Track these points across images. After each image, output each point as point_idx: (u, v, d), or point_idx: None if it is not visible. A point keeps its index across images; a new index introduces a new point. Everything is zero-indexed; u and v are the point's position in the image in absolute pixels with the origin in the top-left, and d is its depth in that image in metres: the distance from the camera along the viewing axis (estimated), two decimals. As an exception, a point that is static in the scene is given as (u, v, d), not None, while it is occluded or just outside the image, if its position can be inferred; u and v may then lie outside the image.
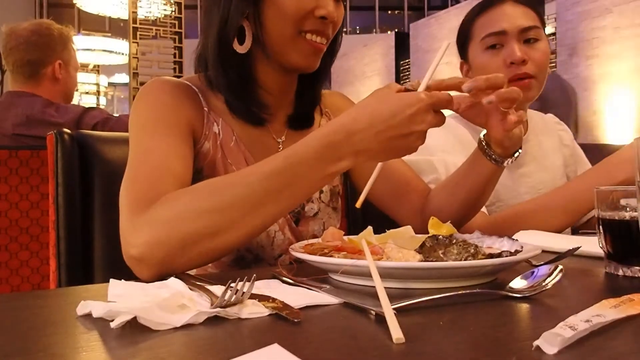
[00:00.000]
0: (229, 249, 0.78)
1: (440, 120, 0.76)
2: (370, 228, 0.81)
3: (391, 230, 0.82)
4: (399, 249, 0.71)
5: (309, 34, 0.93)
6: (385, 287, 0.55)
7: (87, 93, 8.54)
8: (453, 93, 0.79)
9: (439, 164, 1.27)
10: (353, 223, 1.47)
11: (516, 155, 0.92)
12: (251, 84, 0.98)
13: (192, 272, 0.79)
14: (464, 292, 0.60)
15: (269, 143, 1.02)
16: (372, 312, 0.53)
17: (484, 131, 0.93)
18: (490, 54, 1.33)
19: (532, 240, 0.84)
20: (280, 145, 1.02)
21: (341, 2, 0.98)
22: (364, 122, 0.73)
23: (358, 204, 0.81)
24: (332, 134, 0.74)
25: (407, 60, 10.37)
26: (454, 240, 0.71)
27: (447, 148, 1.31)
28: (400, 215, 1.11)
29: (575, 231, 1.41)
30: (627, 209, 0.72)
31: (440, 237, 0.72)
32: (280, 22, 0.92)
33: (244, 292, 0.55)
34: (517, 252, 0.70)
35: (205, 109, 0.97)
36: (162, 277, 0.68)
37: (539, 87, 1.34)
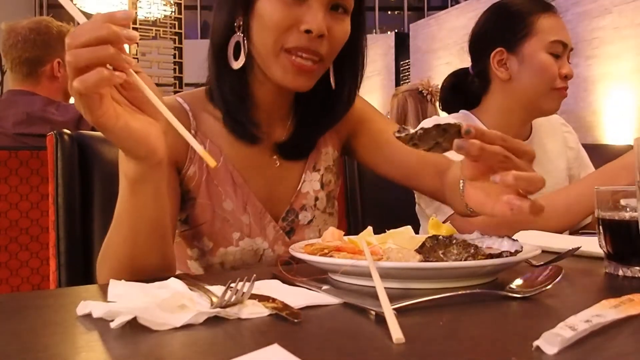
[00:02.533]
0: (150, 268, 0.78)
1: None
2: (370, 228, 0.81)
3: (391, 230, 0.82)
4: (399, 249, 0.71)
5: (293, 51, 0.87)
6: (385, 287, 0.55)
7: (87, 93, 8.52)
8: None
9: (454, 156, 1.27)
10: (353, 223, 1.47)
11: None
12: (245, 101, 0.94)
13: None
14: (464, 292, 0.60)
15: (265, 161, 0.99)
16: (372, 312, 0.53)
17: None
18: (551, 59, 1.34)
19: (532, 240, 0.84)
20: (277, 162, 0.99)
21: (344, 15, 0.90)
22: None
23: None
24: None
25: (406, 61, 10.37)
26: (454, 241, 0.71)
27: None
28: (424, 192, 1.10)
29: (574, 232, 1.41)
30: (627, 209, 0.72)
31: (440, 237, 0.72)
32: (263, 36, 0.88)
33: (244, 293, 0.55)
34: (517, 252, 0.70)
35: (193, 131, 0.94)
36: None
37: None
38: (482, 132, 0.65)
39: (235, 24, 0.90)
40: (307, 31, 0.85)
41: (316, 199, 1.04)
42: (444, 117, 1.43)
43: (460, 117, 1.41)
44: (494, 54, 1.37)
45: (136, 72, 0.65)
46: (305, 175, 1.03)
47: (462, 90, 1.47)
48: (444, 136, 0.65)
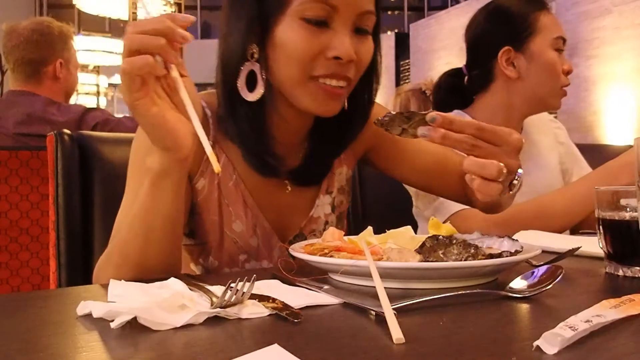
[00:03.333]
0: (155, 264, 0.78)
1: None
2: (370, 228, 0.81)
3: (391, 230, 0.82)
4: (399, 249, 0.71)
5: (322, 78, 0.83)
6: (385, 287, 0.55)
7: (87, 94, 8.53)
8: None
9: None
10: (353, 223, 1.47)
11: (515, 184, 0.85)
12: (264, 134, 0.88)
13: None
14: (464, 292, 0.60)
15: (277, 186, 0.95)
16: (372, 312, 0.53)
17: None
18: (557, 55, 1.36)
19: (532, 241, 0.83)
20: (289, 187, 0.95)
21: (367, 35, 0.86)
22: None
23: None
24: None
25: (407, 61, 10.37)
26: (454, 241, 0.71)
27: None
28: (445, 195, 1.10)
29: (574, 232, 1.41)
30: (627, 209, 0.72)
31: (440, 237, 0.72)
32: (287, 66, 0.83)
33: (244, 293, 0.55)
34: (517, 252, 0.70)
35: (211, 141, 0.90)
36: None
37: None
38: (450, 120, 0.70)
39: (248, 52, 0.84)
40: (336, 58, 0.82)
41: (326, 222, 1.01)
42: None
43: None
44: (502, 53, 1.38)
45: (182, 75, 0.69)
46: (318, 200, 1.00)
47: (458, 90, 1.47)
48: (409, 123, 0.70)
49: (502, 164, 0.72)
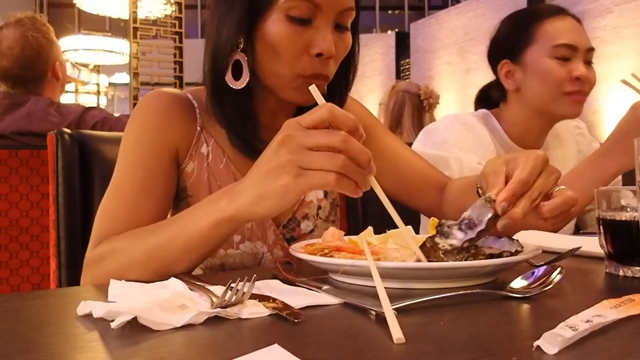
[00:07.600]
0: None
1: (323, 178, 0.65)
2: (370, 228, 0.81)
3: (391, 230, 0.82)
4: (399, 248, 0.70)
5: (306, 78, 0.86)
6: (385, 287, 0.55)
7: (87, 93, 8.53)
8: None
9: (453, 162, 1.27)
10: (353, 223, 1.47)
11: None
12: (250, 119, 0.92)
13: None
14: (464, 292, 0.59)
15: None
16: (372, 312, 0.53)
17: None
18: (558, 64, 1.31)
19: (533, 241, 0.83)
20: None
21: (346, 31, 0.90)
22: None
23: None
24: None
25: (407, 60, 10.37)
26: (454, 241, 0.70)
27: (465, 146, 1.30)
28: (419, 208, 1.12)
29: (577, 229, 1.41)
30: (627, 209, 0.72)
31: (441, 237, 0.71)
32: (273, 61, 0.87)
33: (244, 292, 0.56)
34: (517, 252, 0.70)
35: (199, 128, 0.94)
36: None
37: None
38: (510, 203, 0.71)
39: (238, 44, 0.88)
40: (318, 54, 0.85)
41: (319, 207, 1.03)
42: (453, 115, 1.43)
43: (479, 115, 1.42)
44: (501, 66, 1.39)
45: None
46: None
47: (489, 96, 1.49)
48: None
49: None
